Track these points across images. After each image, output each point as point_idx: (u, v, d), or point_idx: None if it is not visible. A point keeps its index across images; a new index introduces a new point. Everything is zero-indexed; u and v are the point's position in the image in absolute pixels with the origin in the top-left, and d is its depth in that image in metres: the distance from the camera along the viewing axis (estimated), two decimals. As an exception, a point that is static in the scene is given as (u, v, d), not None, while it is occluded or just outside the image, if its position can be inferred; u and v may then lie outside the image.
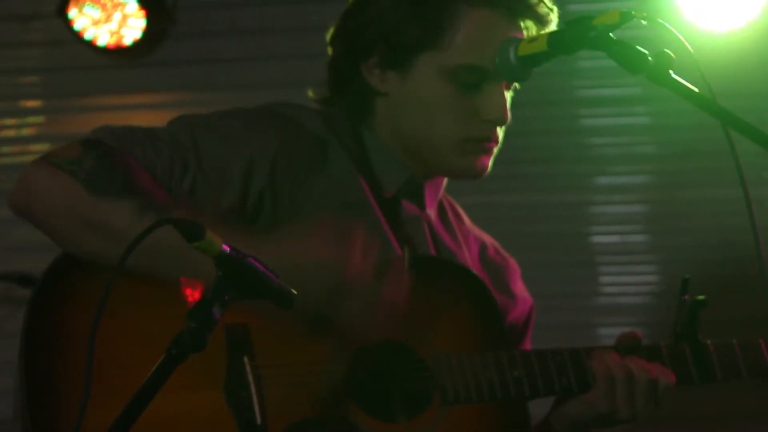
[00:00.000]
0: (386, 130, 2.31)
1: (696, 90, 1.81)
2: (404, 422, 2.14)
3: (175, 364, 1.61)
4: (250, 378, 2.01)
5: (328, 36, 2.36)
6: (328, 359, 2.09)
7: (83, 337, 1.98)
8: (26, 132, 5.22)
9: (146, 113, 4.87)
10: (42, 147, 5.07)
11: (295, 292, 1.72)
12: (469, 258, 2.41)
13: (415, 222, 2.33)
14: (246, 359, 2.02)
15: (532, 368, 2.19)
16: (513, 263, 2.53)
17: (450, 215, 2.46)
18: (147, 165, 2.08)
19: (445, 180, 2.41)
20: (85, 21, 4.82)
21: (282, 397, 2.03)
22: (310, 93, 2.39)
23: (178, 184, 2.10)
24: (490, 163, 2.30)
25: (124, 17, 4.82)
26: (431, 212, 2.39)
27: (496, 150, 2.31)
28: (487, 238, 2.53)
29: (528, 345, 2.51)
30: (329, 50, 2.37)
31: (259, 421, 1.98)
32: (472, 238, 2.48)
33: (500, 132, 2.29)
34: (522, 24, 2.25)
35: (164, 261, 1.99)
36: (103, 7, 4.81)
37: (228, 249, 1.67)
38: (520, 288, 2.50)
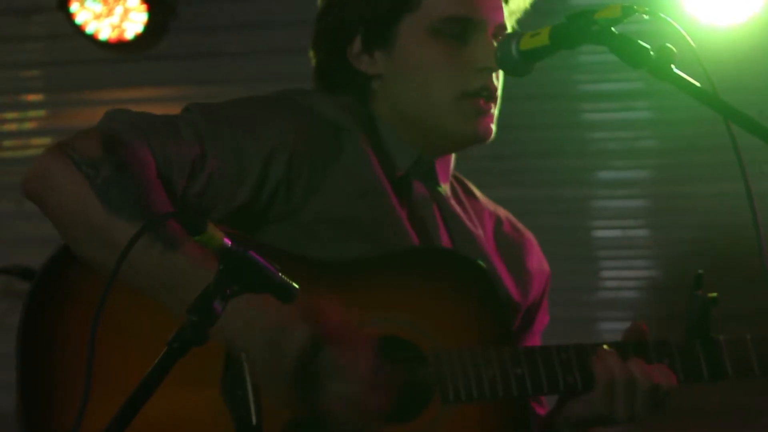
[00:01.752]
0: (387, 112, 2.30)
1: (698, 84, 1.81)
2: (404, 421, 2.12)
3: (176, 357, 1.60)
4: (247, 376, 2.00)
5: (311, 43, 2.36)
6: None
7: (79, 336, 1.99)
8: (28, 126, 5.23)
9: (148, 107, 4.79)
10: (43, 141, 5.07)
11: (296, 286, 1.72)
12: (484, 236, 2.39)
13: (425, 204, 2.31)
14: (244, 357, 2.01)
15: (536, 365, 2.15)
16: (529, 237, 2.50)
17: (461, 193, 2.44)
18: (164, 164, 2.07)
19: (454, 155, 2.39)
20: (87, 15, 4.82)
21: None
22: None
23: (193, 182, 2.09)
24: (494, 126, 2.29)
25: (126, 11, 4.82)
26: (446, 187, 2.37)
27: (496, 112, 2.29)
28: (502, 212, 2.50)
29: (545, 313, 2.48)
30: (311, 54, 2.36)
31: (254, 420, 1.97)
32: (487, 215, 2.45)
33: (498, 83, 2.28)
34: None
35: (159, 288, 1.97)
36: (105, 0, 4.81)
37: (229, 243, 1.67)
38: (536, 263, 2.47)
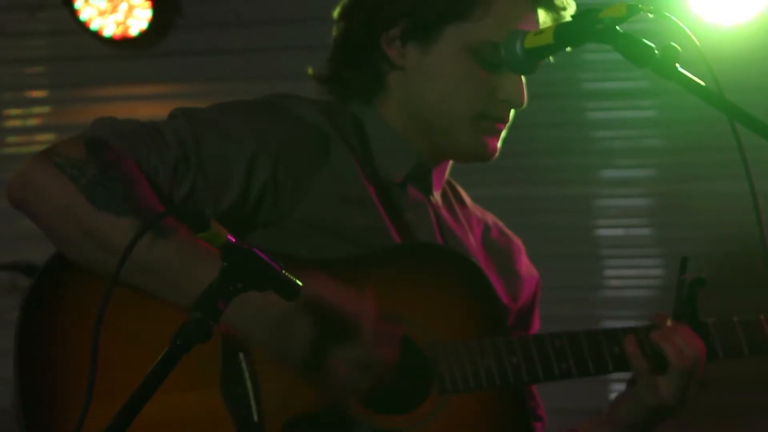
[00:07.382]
0: (395, 110, 2.30)
1: (702, 83, 1.81)
2: (403, 413, 2.12)
3: (179, 355, 1.60)
4: (246, 375, 2.00)
5: (339, 9, 2.34)
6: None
7: (77, 337, 1.99)
8: (32, 122, 5.23)
9: (152, 104, 4.87)
10: (47, 137, 5.08)
11: (300, 283, 1.72)
12: (473, 242, 2.40)
13: (420, 209, 2.31)
14: (241, 356, 2.01)
15: (530, 354, 2.18)
16: (517, 242, 2.51)
17: (452, 199, 2.45)
18: (148, 168, 2.07)
19: (450, 163, 2.40)
20: (91, 11, 4.82)
21: (279, 393, 2.01)
22: (310, 70, 2.37)
23: (178, 186, 2.09)
24: (499, 145, 2.30)
25: (130, 8, 4.83)
26: (437, 195, 2.38)
27: (503, 134, 2.31)
28: (490, 218, 2.51)
29: (537, 321, 2.49)
30: (338, 25, 2.34)
31: (256, 418, 1.97)
32: (475, 221, 2.47)
33: (511, 115, 2.30)
34: (539, 13, 2.27)
35: (156, 282, 1.98)
36: (110, -3, 4.82)
37: (233, 239, 1.67)
38: (525, 267, 2.49)
